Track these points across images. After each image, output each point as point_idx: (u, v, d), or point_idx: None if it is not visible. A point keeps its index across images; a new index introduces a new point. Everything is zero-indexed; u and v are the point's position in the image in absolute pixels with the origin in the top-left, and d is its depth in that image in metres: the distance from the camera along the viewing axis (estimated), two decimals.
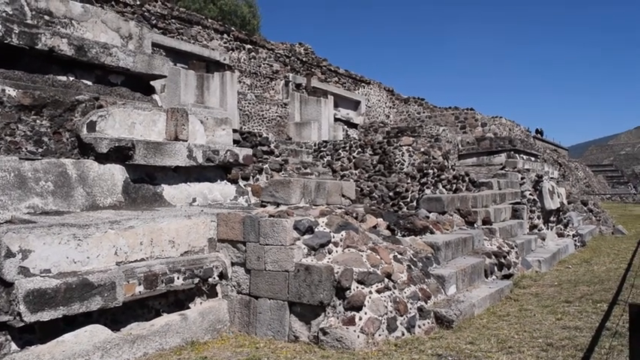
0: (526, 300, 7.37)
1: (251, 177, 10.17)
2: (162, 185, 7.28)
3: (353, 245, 6.17)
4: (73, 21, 7.17)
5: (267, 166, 11.08)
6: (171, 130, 7.40)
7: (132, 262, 5.55)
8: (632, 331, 2.95)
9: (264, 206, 7.32)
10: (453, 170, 15.17)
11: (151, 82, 8.26)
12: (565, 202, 13.91)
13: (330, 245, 6.07)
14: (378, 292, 5.78)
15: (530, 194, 12.31)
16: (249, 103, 20.72)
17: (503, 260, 8.52)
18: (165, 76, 8.46)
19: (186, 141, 7.51)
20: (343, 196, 8.23)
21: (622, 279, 8.43)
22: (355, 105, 27.55)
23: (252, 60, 21.13)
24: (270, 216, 6.18)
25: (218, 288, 6.38)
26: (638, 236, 15.53)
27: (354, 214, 6.99)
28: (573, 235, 13.19)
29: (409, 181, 14.40)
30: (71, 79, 7.00)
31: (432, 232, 8.34)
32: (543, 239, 11.72)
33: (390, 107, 32.34)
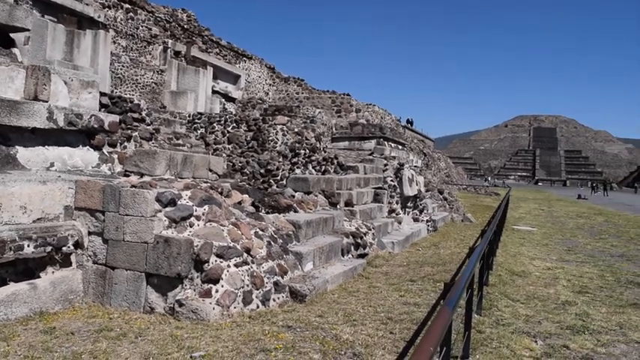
0: (376, 278, 7.96)
1: (119, 144, 9.84)
2: (17, 147, 6.85)
3: (215, 220, 6.28)
4: None
5: (136, 134, 10.75)
6: (31, 88, 6.98)
7: None
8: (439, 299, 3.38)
9: (128, 176, 7.18)
10: (324, 152, 15.68)
11: (12, 35, 7.69)
12: (423, 189, 14.97)
13: (192, 219, 6.14)
14: (237, 266, 5.96)
15: (391, 180, 13.11)
16: (123, 66, 19.76)
17: (360, 240, 9.07)
18: (28, 30, 7.91)
19: (47, 102, 7.11)
20: (211, 170, 8.28)
21: (462, 262, 9.34)
22: (235, 79, 27.28)
23: (130, 21, 20.12)
24: (132, 186, 6.10)
25: (73, 257, 6.19)
26: (484, 224, 17.12)
27: (220, 189, 7.09)
28: (427, 221, 14.28)
29: (281, 159, 14.69)
30: None
31: (295, 211, 8.67)
32: (400, 223, 12.58)
33: (270, 85, 32.45)
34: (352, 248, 8.86)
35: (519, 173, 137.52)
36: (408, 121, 70.00)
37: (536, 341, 5.50)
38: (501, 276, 8.57)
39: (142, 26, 20.74)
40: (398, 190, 13.19)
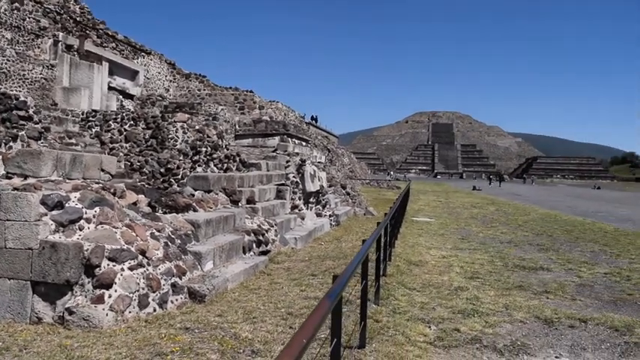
0: (278, 274, 7.98)
1: (3, 144, 9.20)
2: None
3: (107, 222, 6.03)
4: None
5: (23, 133, 10.10)
6: None
7: None
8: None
9: (10, 178, 6.71)
10: (227, 150, 15.49)
11: None
12: (325, 185, 15.20)
13: (82, 222, 5.85)
14: (131, 269, 5.76)
15: (293, 177, 13.20)
16: (8, 60, 18.43)
17: (261, 238, 9.06)
18: None
19: None
20: (103, 170, 7.93)
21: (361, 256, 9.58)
22: (133, 75, 26.28)
23: (16, 12, 18.79)
24: (15, 189, 5.72)
25: None
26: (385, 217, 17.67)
27: (113, 190, 6.81)
28: (330, 216, 14.52)
29: (182, 158, 14.33)
30: None
31: (195, 210, 8.50)
32: (303, 218, 12.69)
33: (171, 81, 31.61)
34: (254, 246, 8.83)
35: (420, 167, 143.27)
36: (312, 118, 70.79)
37: (430, 326, 5.76)
38: (399, 266, 8.88)
39: (29, 18, 19.45)
40: (300, 186, 13.30)
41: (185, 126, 15.42)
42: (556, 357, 5.12)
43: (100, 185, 6.74)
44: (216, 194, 9.86)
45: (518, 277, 8.63)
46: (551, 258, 10.66)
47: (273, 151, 19.96)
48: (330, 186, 18.21)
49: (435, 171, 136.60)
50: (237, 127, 26.02)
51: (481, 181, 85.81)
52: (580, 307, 6.90)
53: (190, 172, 13.91)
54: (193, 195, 9.28)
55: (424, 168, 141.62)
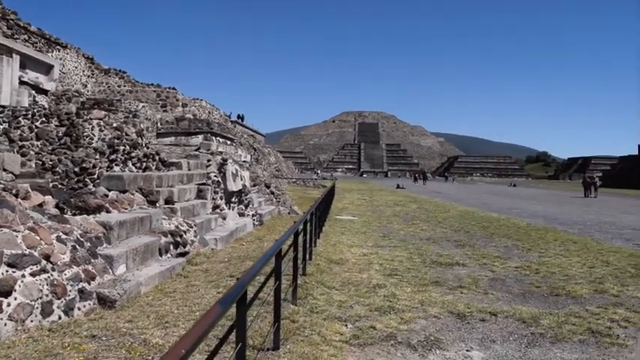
0: (195, 276, 7.78)
1: None
2: None
3: (7, 225, 5.64)
4: None
5: None
6: None
7: None
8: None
9: None
10: (147, 148, 15.00)
11: None
12: (248, 184, 15.02)
13: None
14: (33, 275, 5.41)
15: (215, 176, 12.95)
16: None
17: (179, 239, 8.81)
18: None
19: None
20: (5, 170, 7.45)
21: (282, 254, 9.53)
22: (47, 69, 24.93)
23: None
24: None
25: None
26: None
27: (15, 191, 6.40)
28: (253, 215, 14.37)
29: (98, 157, 13.73)
30: None
31: (108, 211, 8.15)
32: (224, 218, 12.48)
33: (89, 76, 30.35)
34: (172, 247, 8.57)
35: (346, 166, 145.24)
36: (238, 117, 70.11)
37: (346, 325, 5.78)
38: (320, 265, 8.90)
39: None
40: (222, 185, 13.07)
41: (102, 123, 14.79)
42: (467, 350, 5.26)
43: (1, 186, 6.31)
44: (132, 194, 9.50)
45: (435, 273, 8.85)
46: (467, 254, 11.03)
47: (196, 150, 19.54)
48: (254, 185, 18.04)
49: (362, 170, 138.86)
50: (159, 125, 25.32)
51: (405, 180, 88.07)
52: (491, 301, 7.16)
53: (107, 171, 13.36)
54: (107, 195, 8.90)
55: (351, 167, 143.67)
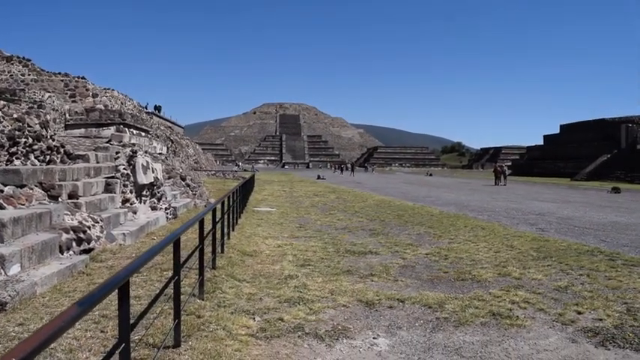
0: (99, 274, 7.42)
1: None
2: None
3: None
4: None
5: None
6: None
7: None
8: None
9: None
10: (52, 140, 14.19)
11: None
12: (161, 176, 14.56)
13: None
14: None
15: (124, 169, 12.43)
16: None
17: (83, 235, 8.38)
18: None
19: None
20: None
21: (195, 248, 9.28)
22: None
23: None
24: None
25: None
26: (226, 208, 17.41)
27: None
28: (166, 209, 13.94)
29: None
30: None
31: (2, 208, 7.61)
32: (135, 213, 12.02)
33: None
34: (74, 244, 8.13)
35: (268, 157, 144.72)
36: (156, 108, 68.07)
37: (254, 318, 5.69)
38: (232, 258, 8.74)
39: None
40: (132, 178, 12.58)
41: (0, 114, 13.85)
42: (374, 338, 5.33)
43: None
44: (31, 189, 8.93)
45: (347, 262, 8.93)
46: (380, 242, 11.22)
47: (108, 142, 18.75)
48: (168, 177, 17.53)
49: (283, 161, 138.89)
50: (67, 115, 24.09)
51: (326, 171, 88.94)
52: (400, 288, 7.30)
53: (7, 165, 12.53)
54: (2, 191, 8.30)
55: (272, 158, 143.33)
